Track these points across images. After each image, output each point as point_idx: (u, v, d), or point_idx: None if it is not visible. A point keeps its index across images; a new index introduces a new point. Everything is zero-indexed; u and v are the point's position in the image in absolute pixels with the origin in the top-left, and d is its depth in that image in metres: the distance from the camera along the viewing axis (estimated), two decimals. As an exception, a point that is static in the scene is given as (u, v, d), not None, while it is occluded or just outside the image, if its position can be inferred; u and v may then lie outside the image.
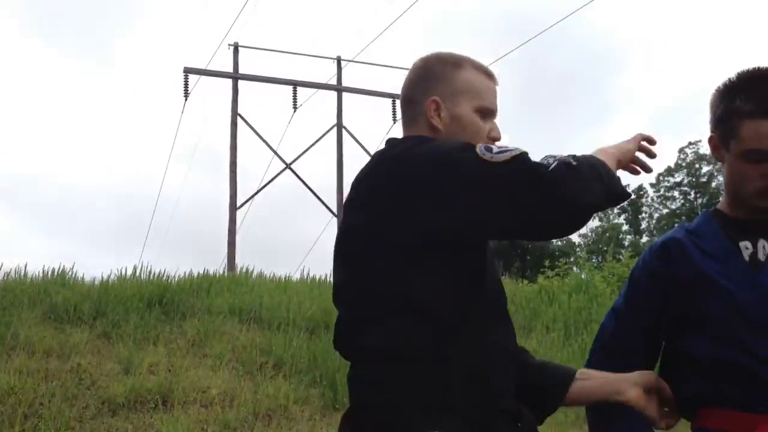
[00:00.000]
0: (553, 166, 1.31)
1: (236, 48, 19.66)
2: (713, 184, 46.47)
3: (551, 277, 12.79)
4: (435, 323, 1.40)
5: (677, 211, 47.71)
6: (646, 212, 49.83)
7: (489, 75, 1.68)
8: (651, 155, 1.66)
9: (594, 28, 77.79)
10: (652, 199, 49.55)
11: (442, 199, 1.37)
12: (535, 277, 14.24)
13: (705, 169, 46.82)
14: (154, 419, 5.04)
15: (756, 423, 1.52)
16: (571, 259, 29.52)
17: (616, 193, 1.46)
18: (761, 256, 1.59)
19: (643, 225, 49.53)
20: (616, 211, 50.14)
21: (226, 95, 19.48)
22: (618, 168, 1.57)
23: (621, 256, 15.82)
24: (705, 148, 46.76)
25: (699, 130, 75.08)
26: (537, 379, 1.65)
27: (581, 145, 75.64)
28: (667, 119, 72.00)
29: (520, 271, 33.98)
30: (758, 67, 1.60)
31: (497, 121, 1.69)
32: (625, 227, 49.59)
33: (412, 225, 1.39)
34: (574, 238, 48.21)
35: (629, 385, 1.59)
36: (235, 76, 19.36)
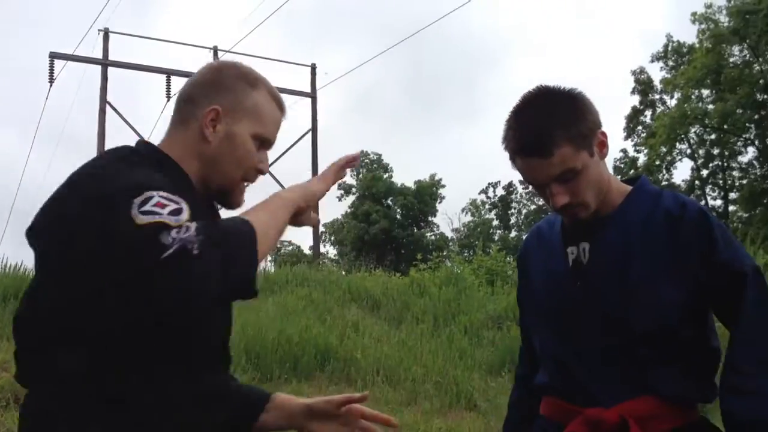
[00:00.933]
0: (170, 251, 1.11)
1: (106, 33, 18.93)
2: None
3: (423, 270, 13.07)
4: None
5: (543, 207, 49.77)
6: (515, 208, 51.76)
7: (280, 106, 1.59)
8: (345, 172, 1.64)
9: (470, 28, 79.88)
10: (521, 195, 51.50)
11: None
12: (408, 270, 14.51)
13: (570, 167, 48.99)
14: (5, 417, 4.80)
15: (573, 414, 1.65)
16: (444, 253, 30.25)
17: (240, 290, 1.26)
18: (583, 259, 1.71)
19: (513, 220, 51.41)
20: (487, 206, 51.78)
21: (96, 82, 18.73)
22: (299, 212, 1.48)
23: (490, 250, 16.36)
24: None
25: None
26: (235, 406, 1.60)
27: (454, 141, 77.53)
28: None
29: (393, 265, 34.46)
30: (512, 110, 1.70)
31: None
32: (495, 222, 51.31)
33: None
34: (447, 232, 49.45)
35: (306, 420, 1.64)
36: (105, 63, 18.63)
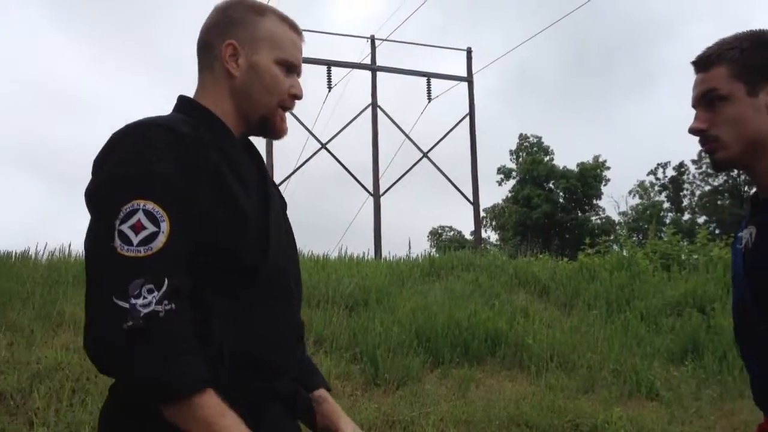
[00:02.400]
0: (129, 324, 1.20)
1: (272, 28, 19.69)
2: None
3: (592, 254, 12.64)
4: (197, 305, 1.33)
5: (720, 188, 46.76)
6: (687, 189, 48.96)
7: (294, 28, 1.60)
8: None
9: None
10: (694, 176, 48.63)
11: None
12: (575, 255, 14.09)
13: None
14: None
15: None
16: (611, 237, 29.18)
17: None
18: (749, 245, 1.57)
19: (685, 202, 48.71)
20: (656, 188, 49.39)
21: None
22: None
23: (663, 234, 15.56)
24: None
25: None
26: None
27: (620, 120, 74.37)
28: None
29: (559, 249, 33.72)
30: None
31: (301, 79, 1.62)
32: (666, 205, 48.82)
33: None
34: (613, 215, 47.69)
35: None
36: (272, 57, 19.40)
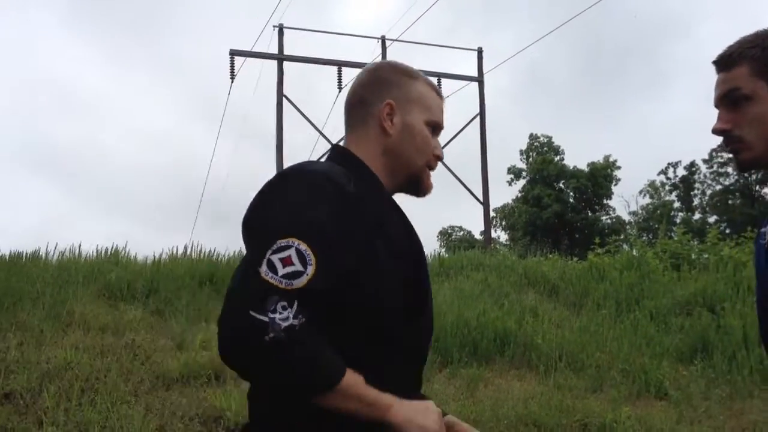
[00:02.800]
0: (272, 335, 1.29)
1: (281, 29, 19.72)
2: None
3: (601, 254, 12.60)
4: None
5: (731, 188, 46.51)
6: (698, 189, 48.73)
7: (438, 93, 1.70)
8: None
9: (648, -3, 76.23)
10: (705, 176, 48.40)
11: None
12: (584, 255, 14.04)
13: (760, 143, 45.42)
14: (208, 393, 5.11)
15: None
16: (621, 237, 29.05)
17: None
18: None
19: (696, 201, 48.48)
20: (667, 188, 49.18)
21: (272, 76, 19.60)
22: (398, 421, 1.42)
23: (673, 233, 15.50)
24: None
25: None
26: None
27: (630, 120, 74.01)
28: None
29: (569, 249, 33.62)
30: None
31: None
32: (676, 204, 48.62)
33: None
34: (623, 215, 47.53)
35: None
36: (280, 57, 19.44)
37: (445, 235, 50.70)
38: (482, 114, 21.18)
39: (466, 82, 21.47)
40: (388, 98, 1.61)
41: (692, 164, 48.28)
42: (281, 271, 1.33)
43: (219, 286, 8.01)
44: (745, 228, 12.50)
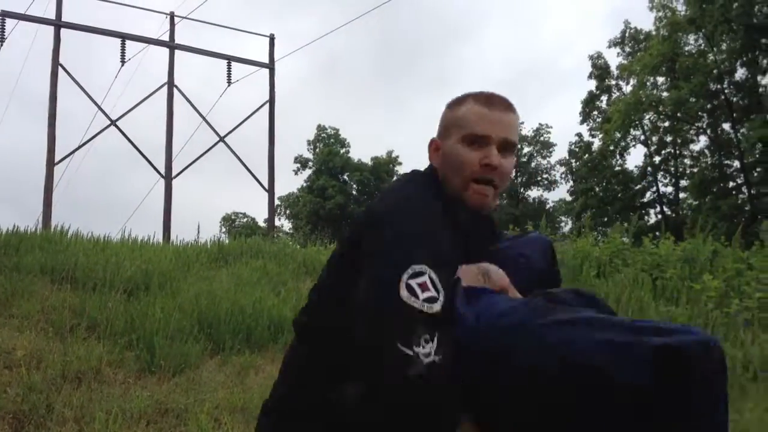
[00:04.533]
0: (413, 372, 1.25)
1: (60, -7, 18.37)
2: (532, 164, 49.25)
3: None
4: None
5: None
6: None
7: (488, 102, 1.63)
8: None
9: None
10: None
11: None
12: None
13: (526, 149, 49.49)
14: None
15: None
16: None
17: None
18: None
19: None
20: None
21: (48, 42, 18.20)
22: None
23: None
24: (526, 130, 49.43)
25: (538, 101, 79.04)
26: None
27: (417, 116, 77.45)
28: (507, 91, 75.23)
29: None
30: None
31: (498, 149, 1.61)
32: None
33: None
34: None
35: None
36: (57, 24, 18.08)
37: (228, 220, 50.03)
38: (272, 101, 21.12)
39: (258, 68, 21.29)
40: (434, 137, 1.70)
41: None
42: (421, 295, 1.32)
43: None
44: (508, 226, 13.57)
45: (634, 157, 66.87)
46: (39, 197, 17.39)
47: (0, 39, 18.06)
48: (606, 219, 37.25)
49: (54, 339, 5.74)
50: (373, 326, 1.33)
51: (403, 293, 1.31)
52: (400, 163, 46.72)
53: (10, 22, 18.13)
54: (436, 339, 1.28)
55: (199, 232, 20.88)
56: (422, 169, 1.72)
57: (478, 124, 1.60)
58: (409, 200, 1.52)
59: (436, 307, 1.32)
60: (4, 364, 5.08)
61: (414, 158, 76.85)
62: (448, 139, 1.64)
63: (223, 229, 47.39)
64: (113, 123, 18.77)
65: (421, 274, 1.34)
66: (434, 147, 1.69)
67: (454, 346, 1.31)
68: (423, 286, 1.33)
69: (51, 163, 17.54)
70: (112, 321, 6.23)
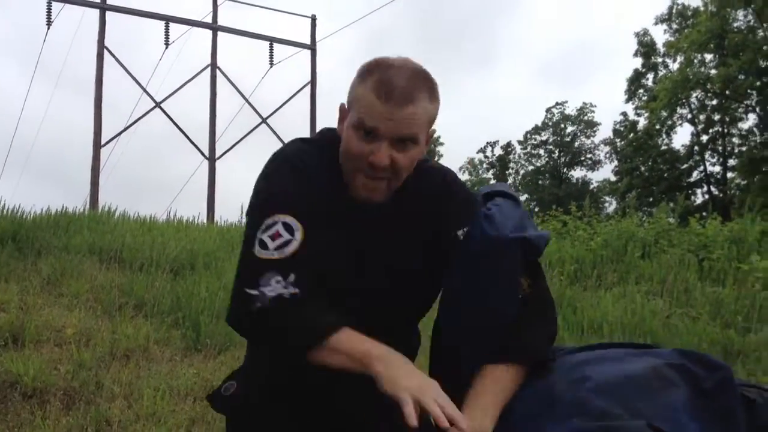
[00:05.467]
0: (259, 305, 1.49)
1: (104, -24, 18.58)
2: (576, 144, 48.66)
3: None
4: None
5: (541, 168, 49.73)
6: (513, 168, 51.65)
7: (384, 92, 1.52)
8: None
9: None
10: (519, 156, 51.37)
11: None
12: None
13: (569, 129, 48.89)
14: (4, 358, 4.80)
15: None
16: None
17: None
18: None
19: (510, 180, 51.39)
20: (485, 166, 51.68)
21: (94, 25, 18.47)
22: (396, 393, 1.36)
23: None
24: (570, 109, 48.84)
25: (582, 79, 77.90)
26: None
27: (459, 97, 76.92)
28: (551, 70, 74.40)
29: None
30: None
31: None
32: (492, 181, 51.24)
33: None
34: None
35: None
36: (102, 7, 18.34)
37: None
38: (313, 82, 21.19)
39: (300, 49, 21.33)
40: (343, 103, 1.66)
41: (508, 144, 51.08)
42: (272, 245, 1.51)
43: (22, 244, 7.52)
44: (551, 206, 13.44)
45: (681, 136, 65.82)
46: (86, 178, 17.76)
47: (47, 22, 18.38)
48: (651, 199, 36.67)
49: (102, 317, 5.87)
50: (235, 279, 1.57)
51: (256, 249, 1.52)
52: (442, 144, 46.60)
53: (56, 6, 18.44)
54: (292, 276, 1.48)
55: (242, 213, 20.99)
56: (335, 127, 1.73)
57: (369, 116, 1.53)
58: (273, 161, 1.68)
59: (290, 249, 1.50)
60: (55, 342, 5.21)
61: (458, 139, 76.55)
62: (349, 113, 1.61)
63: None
64: (158, 105, 19.02)
65: (271, 225, 1.53)
66: (341, 117, 1.67)
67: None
68: (275, 236, 1.52)
69: (98, 145, 17.86)
70: (158, 300, 6.34)
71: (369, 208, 1.65)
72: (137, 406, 4.32)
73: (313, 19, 21.54)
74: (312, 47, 21.36)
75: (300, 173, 1.61)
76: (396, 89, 1.52)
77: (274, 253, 1.49)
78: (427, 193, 1.71)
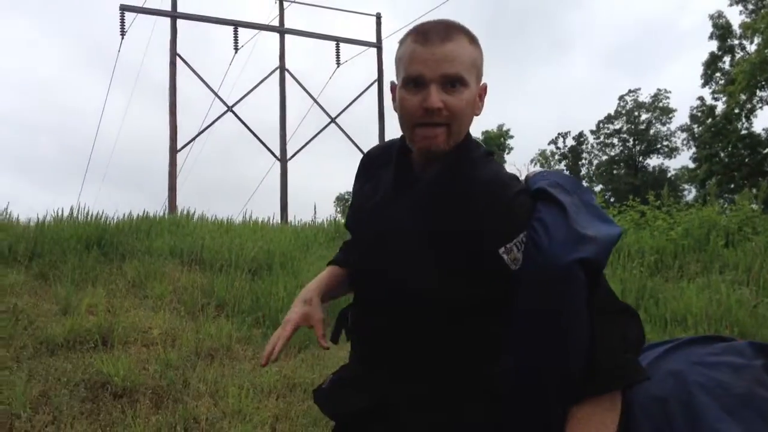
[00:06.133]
0: None
1: (175, -15, 19.05)
2: (651, 132, 47.42)
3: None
4: None
5: (616, 158, 48.60)
6: (585, 158, 50.67)
7: (422, 36, 1.51)
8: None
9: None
10: (592, 146, 50.34)
11: None
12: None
13: (644, 116, 47.66)
14: (94, 358, 4.99)
15: None
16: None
17: None
18: None
19: (583, 171, 50.46)
20: (557, 157, 50.88)
21: (165, 33, 18.97)
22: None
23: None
24: (644, 96, 47.62)
25: (654, 64, 75.84)
26: None
27: (531, 86, 75.89)
28: (622, 56, 72.68)
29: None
30: None
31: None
32: (566, 173, 50.37)
33: None
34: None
35: None
36: (174, 15, 18.80)
37: (342, 200, 50.78)
38: (380, 80, 21.23)
39: (366, 47, 21.43)
40: (393, 81, 1.65)
41: (581, 135, 50.12)
42: None
43: (107, 249, 7.78)
44: (627, 197, 13.14)
45: (762, 120, 63.30)
46: (164, 183, 18.25)
47: (121, 32, 18.96)
48: (732, 186, 35.43)
49: (186, 318, 6.03)
50: None
51: None
52: (511, 137, 45.99)
53: (129, 16, 19.00)
54: None
55: (315, 212, 21.23)
56: None
57: (411, 65, 1.50)
58: None
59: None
60: (142, 342, 5.37)
61: (527, 132, 75.54)
62: (398, 83, 1.57)
63: (338, 209, 48.25)
64: (230, 109, 19.40)
65: None
66: (393, 95, 1.62)
67: None
68: None
69: (174, 150, 18.33)
70: (239, 300, 6.48)
71: (420, 180, 1.61)
72: (223, 404, 4.41)
73: (378, 17, 21.61)
74: (378, 45, 21.42)
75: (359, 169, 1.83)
76: (432, 30, 1.51)
77: None
78: (473, 190, 1.58)
